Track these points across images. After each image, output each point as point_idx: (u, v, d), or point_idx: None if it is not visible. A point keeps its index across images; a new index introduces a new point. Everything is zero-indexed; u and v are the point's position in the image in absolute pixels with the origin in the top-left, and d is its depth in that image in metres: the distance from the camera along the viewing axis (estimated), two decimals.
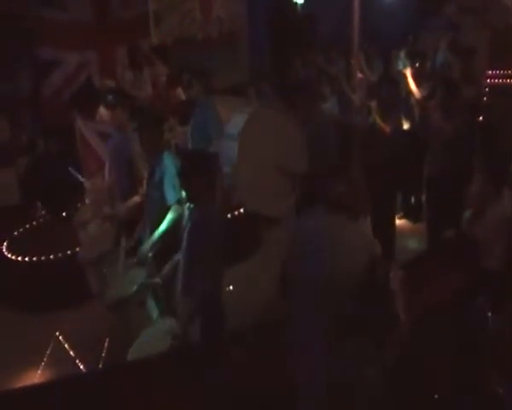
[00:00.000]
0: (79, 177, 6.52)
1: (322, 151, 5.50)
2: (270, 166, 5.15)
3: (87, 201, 6.74)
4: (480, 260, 4.88)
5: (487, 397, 3.76)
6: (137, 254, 5.07)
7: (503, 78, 10.47)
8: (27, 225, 7.35)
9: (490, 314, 4.33)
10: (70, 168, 6.40)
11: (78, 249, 5.81)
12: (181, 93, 9.03)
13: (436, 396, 3.77)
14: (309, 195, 4.50)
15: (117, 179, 6.16)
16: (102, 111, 7.92)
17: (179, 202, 4.95)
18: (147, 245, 5.02)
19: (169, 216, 5.00)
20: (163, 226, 4.99)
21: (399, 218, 7.78)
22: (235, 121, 5.33)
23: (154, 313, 4.76)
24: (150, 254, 4.98)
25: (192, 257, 4.36)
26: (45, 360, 5.24)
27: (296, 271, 3.30)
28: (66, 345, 5.27)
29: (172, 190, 5.01)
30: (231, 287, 5.59)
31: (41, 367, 5.22)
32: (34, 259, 6.43)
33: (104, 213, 5.86)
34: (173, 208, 4.98)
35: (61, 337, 5.30)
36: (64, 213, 7.32)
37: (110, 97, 7.02)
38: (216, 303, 4.44)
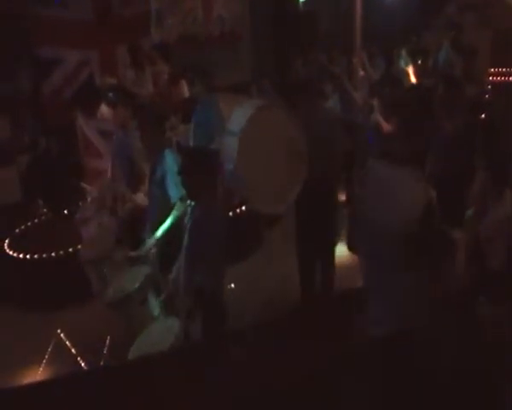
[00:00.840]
0: (83, 185, 6.50)
1: (323, 149, 5.49)
2: (271, 164, 5.14)
3: (89, 198, 6.73)
4: (481, 259, 4.86)
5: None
6: (140, 250, 5.08)
7: (505, 75, 10.45)
8: (29, 223, 7.35)
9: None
10: (73, 180, 6.38)
11: (79, 247, 5.80)
12: (185, 89, 9.00)
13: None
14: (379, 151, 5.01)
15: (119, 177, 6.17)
16: (104, 109, 7.91)
17: (182, 199, 4.95)
18: (150, 241, 5.02)
19: (173, 213, 5.00)
20: (166, 223, 5.00)
21: None
22: (236, 117, 5.31)
23: (156, 310, 4.75)
24: (153, 251, 4.98)
25: (194, 255, 4.36)
26: (47, 358, 5.24)
27: (367, 216, 3.69)
28: (67, 343, 5.27)
29: (175, 188, 5.01)
30: (233, 285, 5.58)
31: (42, 365, 5.22)
32: (35, 256, 6.43)
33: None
34: (177, 206, 4.99)
35: (62, 335, 5.30)
36: (65, 211, 7.32)
37: (111, 95, 7.01)
38: (217, 301, 4.44)
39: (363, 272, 3.87)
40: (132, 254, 5.14)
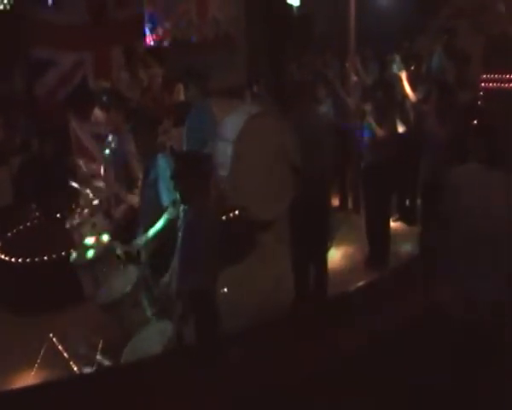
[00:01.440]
0: (76, 185, 6.47)
1: (315, 152, 5.51)
2: (264, 169, 5.16)
3: (81, 202, 6.72)
4: None
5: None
6: (130, 246, 5.08)
7: (497, 82, 10.51)
8: (21, 226, 7.32)
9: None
10: (70, 181, 6.34)
11: (72, 251, 5.79)
12: (180, 92, 9.00)
13: None
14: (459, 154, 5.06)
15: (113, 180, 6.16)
16: (97, 112, 7.91)
17: (174, 203, 4.96)
18: (140, 239, 5.02)
19: (165, 216, 5.01)
20: (158, 225, 5.00)
21: (394, 220, 7.81)
22: (230, 123, 5.33)
23: (149, 313, 4.75)
24: (143, 249, 4.99)
25: (187, 258, 4.37)
26: (39, 362, 5.21)
27: (467, 218, 3.83)
28: (59, 346, 5.24)
29: (167, 192, 5.02)
30: (225, 289, 5.58)
31: (34, 369, 5.19)
32: (28, 260, 6.40)
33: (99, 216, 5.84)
34: (169, 209, 5.00)
35: (54, 339, 5.27)
36: (58, 214, 7.29)
37: (105, 98, 7.00)
38: (210, 305, 4.44)
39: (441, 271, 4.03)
40: (123, 248, 5.13)
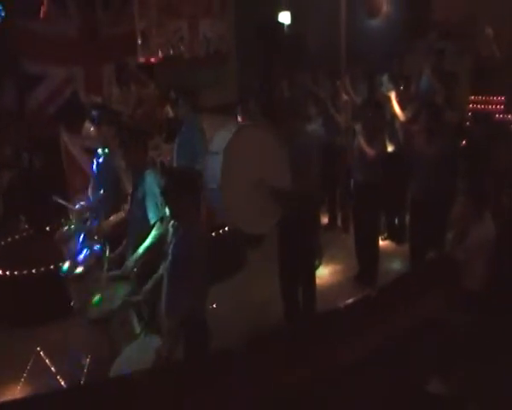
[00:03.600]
0: (65, 203, 6.45)
1: (304, 170, 5.54)
2: (254, 183, 5.17)
3: (71, 216, 6.70)
4: (461, 281, 4.94)
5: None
6: (122, 269, 5.06)
7: (485, 104, 10.65)
8: (10, 239, 7.29)
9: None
10: (55, 198, 6.33)
11: (60, 264, 5.77)
12: (169, 110, 9.05)
13: None
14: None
15: (102, 195, 6.14)
16: (88, 127, 7.91)
17: (162, 219, 4.96)
18: (131, 261, 5.01)
19: (153, 233, 5.00)
20: (147, 242, 5.00)
21: (383, 239, 7.85)
22: (219, 139, 5.34)
23: (137, 329, 4.74)
24: (134, 270, 4.97)
25: (176, 274, 4.36)
26: (25, 375, 5.18)
27: None
28: (47, 360, 5.21)
29: (154, 209, 5.03)
30: (214, 305, 5.58)
31: (21, 383, 5.16)
32: (16, 273, 6.37)
33: (88, 228, 5.82)
34: (157, 225, 4.99)
35: (42, 353, 5.24)
36: (47, 228, 7.27)
37: (95, 113, 7.01)
38: (200, 321, 4.44)
39: None
40: (114, 273, 5.12)
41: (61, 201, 6.23)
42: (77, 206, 6.19)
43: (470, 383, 3.79)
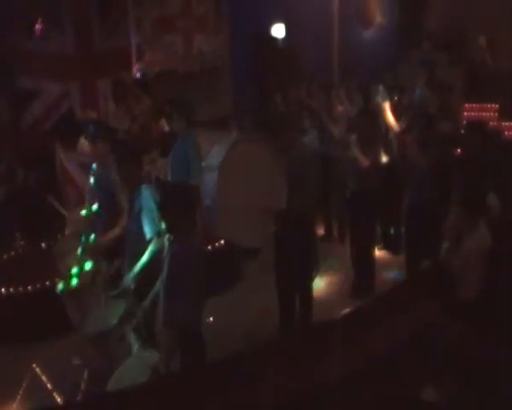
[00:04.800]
0: (59, 207, 6.46)
1: (301, 182, 5.56)
2: (249, 197, 5.17)
3: (67, 232, 6.70)
4: (455, 289, 4.95)
5: None
6: (119, 287, 5.05)
7: (479, 111, 10.71)
8: (5, 256, 7.28)
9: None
10: (50, 198, 6.34)
11: (57, 281, 5.76)
12: (164, 125, 9.07)
13: None
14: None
15: (98, 211, 6.14)
16: (83, 142, 7.91)
17: (159, 234, 4.95)
18: (128, 278, 4.99)
19: (150, 248, 4.99)
20: (144, 259, 4.98)
21: (379, 249, 7.85)
22: (215, 153, 5.35)
23: (135, 344, 4.72)
24: (132, 287, 4.96)
25: (173, 288, 4.37)
26: (21, 393, 5.15)
27: None
28: (43, 377, 5.19)
29: (150, 224, 5.01)
30: (211, 318, 5.58)
31: (17, 401, 5.13)
32: (11, 290, 6.36)
33: (84, 245, 5.82)
34: (154, 241, 4.98)
35: (37, 369, 5.22)
36: (43, 244, 7.26)
37: (91, 129, 7.02)
38: (196, 334, 4.44)
39: None
40: (112, 293, 5.11)
41: (56, 204, 6.24)
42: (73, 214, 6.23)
43: (464, 392, 3.79)
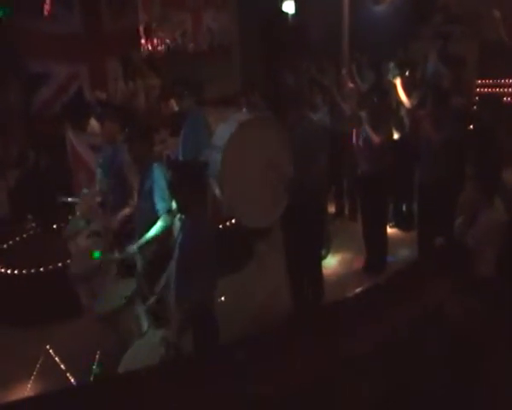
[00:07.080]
0: (71, 199, 6.45)
1: (310, 159, 5.50)
2: (254, 177, 5.12)
3: (77, 213, 6.70)
4: (470, 266, 4.89)
5: None
6: (123, 253, 5.07)
7: (492, 87, 10.55)
8: (17, 238, 7.31)
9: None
10: (61, 198, 6.33)
11: (68, 262, 5.77)
12: (174, 104, 9.04)
13: None
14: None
15: (108, 191, 6.14)
16: (93, 123, 7.90)
17: (169, 212, 4.95)
18: (133, 246, 5.01)
19: (159, 223, 4.99)
20: (152, 232, 4.99)
21: (391, 227, 7.80)
22: (221, 132, 5.29)
23: (146, 324, 4.73)
24: (139, 262, 4.98)
25: (184, 268, 4.35)
26: (35, 374, 5.19)
27: None
28: (56, 358, 5.22)
29: (162, 201, 5.02)
30: (223, 298, 5.57)
31: (31, 382, 5.17)
32: (24, 271, 6.39)
33: (95, 226, 5.82)
34: (163, 217, 4.99)
35: (51, 350, 5.25)
36: (54, 226, 7.28)
37: (100, 109, 7.00)
38: (208, 313, 4.43)
39: None
40: (116, 256, 5.13)
41: (67, 199, 6.25)
42: (84, 191, 6.22)
43: (477, 373, 3.76)
